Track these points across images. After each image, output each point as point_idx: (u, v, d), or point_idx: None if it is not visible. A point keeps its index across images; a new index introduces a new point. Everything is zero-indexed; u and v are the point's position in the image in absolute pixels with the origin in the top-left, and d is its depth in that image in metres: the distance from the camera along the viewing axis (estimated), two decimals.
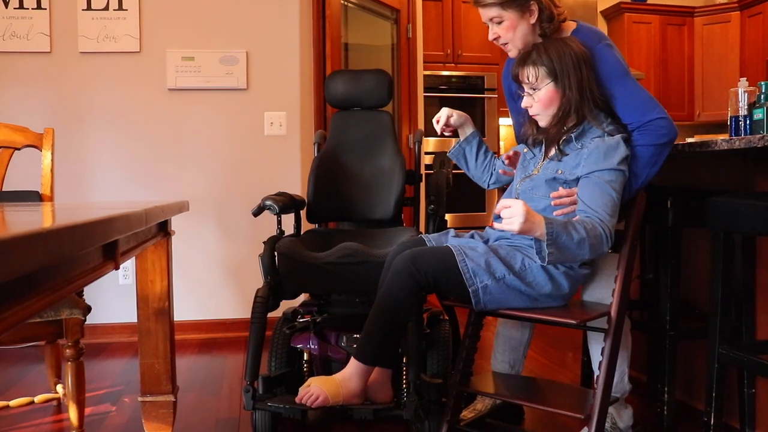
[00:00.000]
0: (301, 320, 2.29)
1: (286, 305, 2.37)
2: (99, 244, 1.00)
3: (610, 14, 6.24)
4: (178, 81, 3.44)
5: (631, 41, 6.09)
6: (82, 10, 3.38)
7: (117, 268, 1.23)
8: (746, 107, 2.58)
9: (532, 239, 1.67)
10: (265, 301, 2.03)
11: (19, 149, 2.38)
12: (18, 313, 0.78)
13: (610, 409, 1.98)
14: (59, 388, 2.28)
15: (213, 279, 3.53)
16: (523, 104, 1.85)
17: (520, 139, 2.03)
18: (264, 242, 2.16)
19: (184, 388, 2.58)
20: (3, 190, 2.35)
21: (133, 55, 3.43)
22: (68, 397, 1.94)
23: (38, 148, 2.38)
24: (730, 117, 2.62)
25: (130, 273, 3.43)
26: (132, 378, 2.76)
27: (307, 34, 3.62)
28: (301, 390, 1.83)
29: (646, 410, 2.31)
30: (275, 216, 2.26)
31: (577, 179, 1.78)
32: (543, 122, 1.85)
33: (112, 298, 3.41)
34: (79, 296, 2.07)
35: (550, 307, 1.81)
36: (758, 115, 2.45)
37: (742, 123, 2.56)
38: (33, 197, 2.32)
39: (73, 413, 1.95)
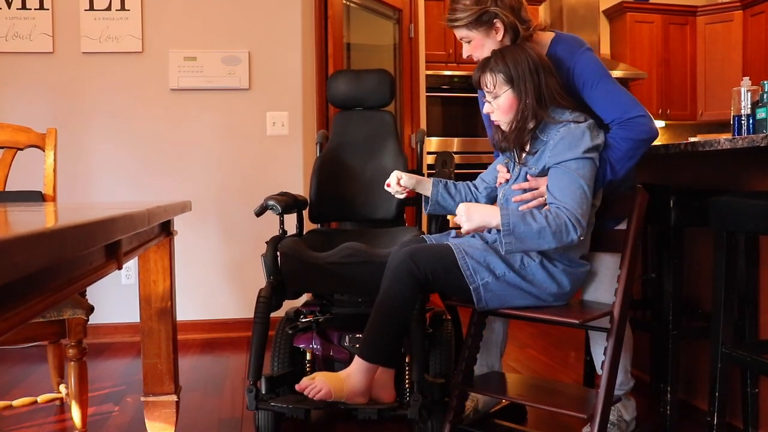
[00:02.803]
0: (303, 320, 2.28)
1: (288, 305, 2.37)
2: (102, 244, 1.00)
3: (613, 14, 6.23)
4: (180, 81, 3.44)
5: (633, 41, 6.08)
6: (85, 10, 3.38)
7: (120, 268, 1.23)
8: (749, 106, 2.57)
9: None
10: (268, 301, 2.04)
11: (21, 149, 2.38)
12: (21, 313, 0.78)
13: (616, 403, 1.99)
14: (62, 388, 2.29)
15: (215, 279, 3.53)
16: (485, 111, 1.88)
17: (493, 146, 2.02)
18: (266, 242, 2.16)
19: (186, 388, 2.59)
20: (6, 190, 2.36)
21: (136, 56, 3.43)
22: (71, 397, 1.94)
23: (41, 148, 2.39)
24: (733, 116, 2.62)
25: (133, 273, 3.44)
26: (135, 378, 2.76)
27: (309, 34, 3.62)
28: (305, 380, 1.81)
29: (649, 410, 2.30)
30: (278, 216, 2.26)
31: (545, 170, 1.79)
32: (504, 128, 1.86)
33: (115, 298, 3.42)
34: (81, 296, 2.08)
35: (552, 306, 1.81)
36: (761, 114, 2.44)
37: (744, 122, 2.56)
38: (36, 197, 2.32)
39: (75, 413, 1.95)
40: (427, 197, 2.03)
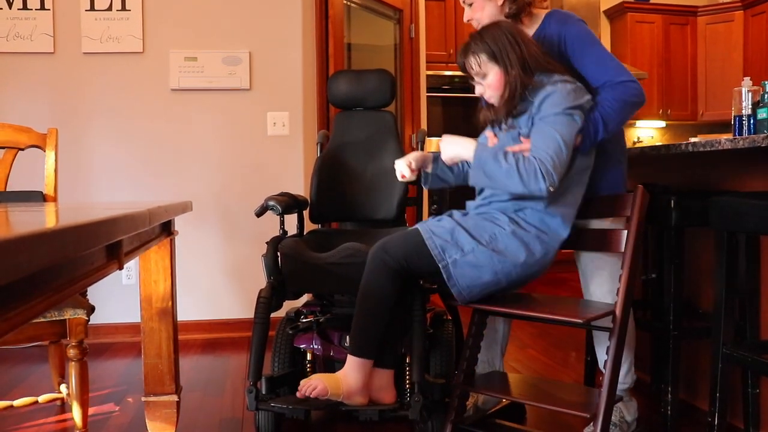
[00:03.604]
0: (304, 320, 2.28)
1: (289, 305, 2.37)
2: (103, 245, 1.00)
3: (613, 14, 6.23)
4: (181, 81, 3.44)
5: (634, 41, 6.08)
6: (86, 10, 3.38)
7: (121, 268, 1.24)
8: (750, 106, 2.57)
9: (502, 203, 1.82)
10: (268, 301, 2.04)
11: (22, 149, 2.38)
12: (22, 313, 0.78)
13: (618, 404, 2.00)
14: (63, 387, 2.29)
15: (216, 279, 3.53)
16: (477, 92, 1.92)
17: (482, 125, 2.04)
18: (267, 242, 2.16)
19: (187, 388, 2.59)
20: (7, 190, 2.36)
21: (136, 56, 3.43)
22: (72, 397, 1.94)
23: (42, 148, 2.39)
24: (734, 116, 2.62)
25: (134, 273, 3.44)
26: (135, 378, 2.76)
27: (310, 34, 3.62)
28: (303, 383, 1.83)
29: (650, 410, 2.30)
30: (278, 216, 2.26)
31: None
32: (497, 103, 1.90)
33: (116, 298, 3.42)
34: (82, 296, 2.08)
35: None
36: (762, 114, 2.44)
37: (745, 122, 2.56)
38: (37, 197, 2.33)
39: (76, 413, 1.95)
40: (426, 173, 2.05)
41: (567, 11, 2.04)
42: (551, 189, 1.72)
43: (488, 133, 1.98)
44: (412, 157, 1.98)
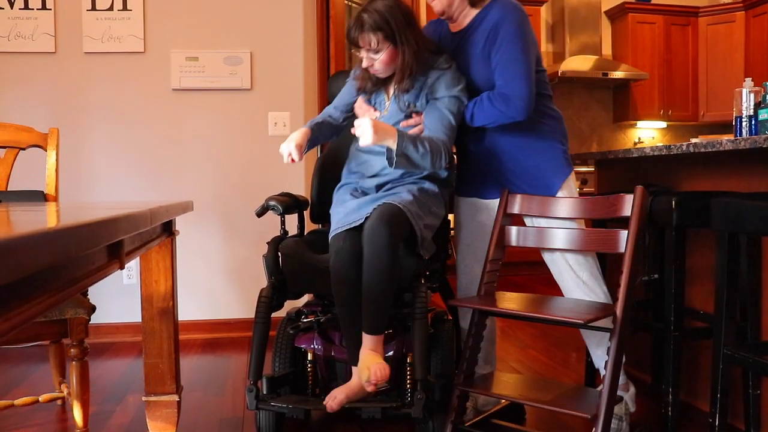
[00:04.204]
0: (304, 320, 2.28)
1: (290, 305, 2.37)
2: (104, 244, 1.00)
3: (614, 14, 6.23)
4: (182, 81, 3.44)
5: (635, 41, 6.07)
6: (87, 10, 3.39)
7: (122, 267, 1.24)
8: (751, 107, 2.57)
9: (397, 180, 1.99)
10: (269, 301, 2.04)
11: (24, 149, 2.38)
12: (24, 313, 0.78)
13: (621, 393, 2.04)
14: (63, 387, 2.29)
15: (217, 279, 3.53)
16: (365, 64, 1.98)
17: (357, 86, 2.12)
18: (268, 243, 2.17)
19: (188, 388, 2.59)
20: (8, 190, 2.36)
21: (138, 56, 3.44)
22: (72, 397, 1.94)
23: (43, 148, 2.39)
24: (735, 117, 2.62)
25: (135, 273, 3.44)
26: (136, 377, 2.77)
27: (311, 34, 3.62)
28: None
29: (650, 411, 2.30)
30: (279, 216, 2.26)
31: (424, 105, 2.01)
32: (384, 75, 2.00)
33: (117, 298, 3.42)
34: (83, 296, 2.08)
35: (554, 306, 1.82)
36: (764, 115, 2.44)
37: (747, 123, 2.56)
38: (38, 197, 2.33)
39: (77, 412, 1.95)
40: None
41: (512, 3, 2.04)
42: (447, 165, 1.98)
43: (363, 105, 2.08)
44: (296, 139, 2.00)
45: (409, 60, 1.93)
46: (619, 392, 2.02)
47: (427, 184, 2.02)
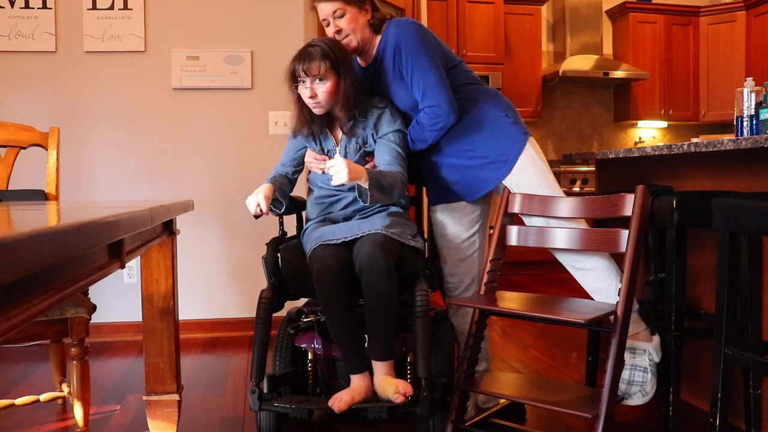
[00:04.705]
0: (305, 320, 2.28)
1: (290, 305, 2.37)
2: (105, 243, 1.00)
3: (615, 14, 6.23)
4: (182, 80, 3.44)
5: (636, 41, 6.07)
6: (87, 9, 3.39)
7: (122, 267, 1.23)
8: (753, 107, 2.57)
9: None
10: (269, 302, 2.04)
11: (24, 148, 2.39)
12: (25, 312, 0.78)
13: (644, 345, 2.01)
14: (64, 386, 2.29)
15: (217, 278, 3.53)
16: (309, 95, 2.02)
17: (294, 134, 2.17)
18: (267, 243, 2.16)
19: (188, 387, 2.59)
20: (9, 189, 2.36)
21: (138, 55, 3.44)
22: (73, 396, 1.95)
23: (44, 147, 2.39)
24: (737, 117, 2.62)
25: (135, 272, 3.44)
26: (137, 377, 2.77)
27: (312, 33, 3.62)
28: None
29: (651, 411, 2.30)
30: (277, 217, 2.25)
31: (373, 144, 2.11)
32: (321, 111, 2.06)
33: (117, 297, 3.42)
34: (84, 295, 2.08)
35: (555, 305, 1.81)
36: (765, 114, 2.44)
37: (748, 123, 2.56)
38: (38, 196, 2.33)
39: (78, 412, 1.95)
40: (278, 202, 2.10)
41: (404, 20, 2.12)
42: (406, 193, 2.09)
43: (315, 156, 2.13)
44: (263, 191, 2.01)
45: (349, 91, 2.02)
46: (642, 343, 2.01)
47: (393, 209, 2.11)
